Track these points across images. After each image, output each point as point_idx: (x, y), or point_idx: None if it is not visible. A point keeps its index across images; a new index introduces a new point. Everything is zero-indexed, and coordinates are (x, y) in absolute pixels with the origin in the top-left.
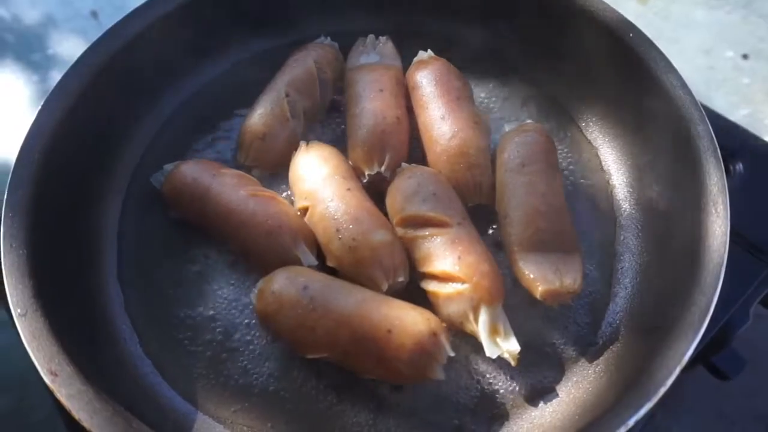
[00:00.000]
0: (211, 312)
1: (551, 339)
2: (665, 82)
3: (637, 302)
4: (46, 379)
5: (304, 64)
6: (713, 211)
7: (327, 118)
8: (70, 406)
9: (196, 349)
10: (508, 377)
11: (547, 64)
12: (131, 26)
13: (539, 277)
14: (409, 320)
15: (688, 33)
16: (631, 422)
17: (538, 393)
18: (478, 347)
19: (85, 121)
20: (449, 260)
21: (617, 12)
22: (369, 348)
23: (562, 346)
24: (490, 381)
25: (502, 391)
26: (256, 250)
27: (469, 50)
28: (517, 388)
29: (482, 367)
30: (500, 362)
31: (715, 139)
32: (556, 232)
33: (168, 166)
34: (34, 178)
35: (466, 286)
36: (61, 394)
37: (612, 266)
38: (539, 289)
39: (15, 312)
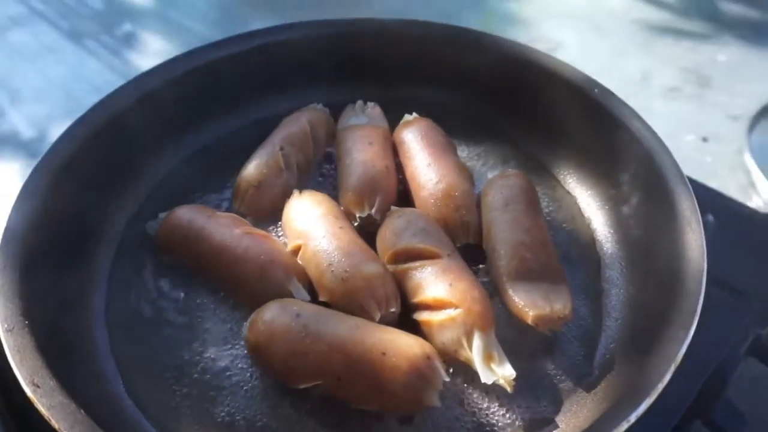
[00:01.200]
0: (200, 350)
1: (546, 371)
2: (630, 126)
3: (629, 331)
4: (28, 390)
5: (298, 122)
6: (688, 229)
7: (319, 171)
8: (51, 415)
9: (182, 389)
10: (505, 409)
11: (525, 124)
12: (145, 84)
13: (529, 303)
14: (402, 343)
15: (650, 120)
16: (632, 418)
17: (537, 424)
18: (473, 378)
19: (82, 177)
20: (441, 286)
21: (581, 72)
22: (363, 372)
23: (557, 378)
24: (487, 413)
25: (500, 423)
26: (249, 286)
27: (451, 116)
28: (516, 420)
29: (478, 399)
30: (497, 393)
31: (680, 168)
32: (543, 263)
33: (163, 214)
34: (30, 221)
35: (458, 311)
36: (42, 405)
37: (600, 301)
38: (531, 314)
39: (2, 327)
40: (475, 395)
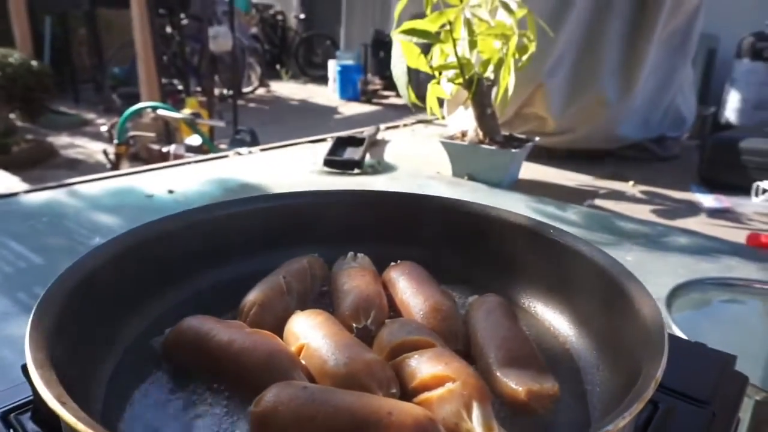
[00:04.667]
0: None
1: None
2: (582, 250)
3: (616, 404)
4: (56, 405)
5: (298, 261)
6: (638, 293)
7: (315, 302)
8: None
9: None
10: None
11: (487, 268)
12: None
13: (520, 382)
14: (408, 406)
15: None
16: (627, 415)
17: None
18: None
19: (98, 294)
20: (437, 366)
21: (531, 217)
22: (370, 430)
23: None
24: None
25: None
26: (254, 375)
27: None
28: None
29: None
30: None
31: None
32: (527, 354)
33: (169, 330)
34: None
35: (456, 383)
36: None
37: (585, 399)
38: (522, 390)
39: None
40: None
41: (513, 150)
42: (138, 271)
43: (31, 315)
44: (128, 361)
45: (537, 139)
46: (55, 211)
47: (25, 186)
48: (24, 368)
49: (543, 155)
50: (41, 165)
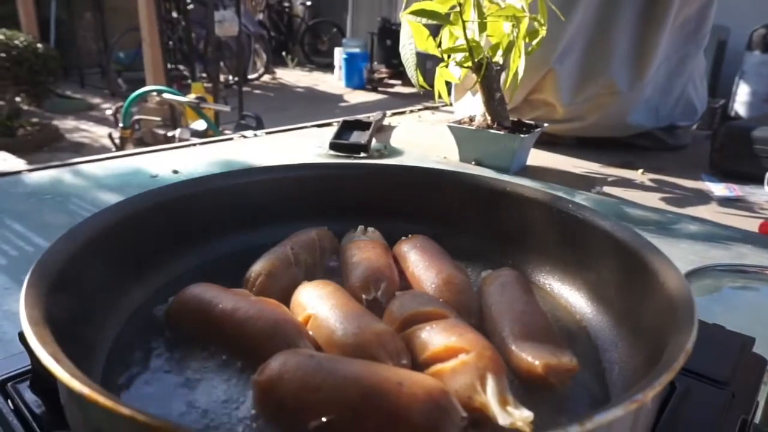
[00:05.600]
0: (203, 410)
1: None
2: (602, 225)
3: (636, 381)
4: (50, 362)
5: (306, 233)
6: (669, 277)
7: (324, 273)
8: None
9: None
10: None
11: (510, 247)
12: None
13: (537, 355)
14: (419, 377)
15: None
16: (657, 384)
17: None
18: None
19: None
20: (451, 337)
21: (548, 192)
22: (379, 402)
23: None
24: None
25: None
26: (259, 343)
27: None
28: None
29: None
30: None
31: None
32: (543, 328)
33: (172, 298)
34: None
35: (470, 355)
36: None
37: (603, 377)
38: (540, 364)
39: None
40: None
41: (521, 135)
42: (141, 239)
43: (29, 272)
44: (130, 328)
45: (545, 125)
46: (58, 190)
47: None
48: (21, 335)
49: (551, 142)
50: (46, 148)
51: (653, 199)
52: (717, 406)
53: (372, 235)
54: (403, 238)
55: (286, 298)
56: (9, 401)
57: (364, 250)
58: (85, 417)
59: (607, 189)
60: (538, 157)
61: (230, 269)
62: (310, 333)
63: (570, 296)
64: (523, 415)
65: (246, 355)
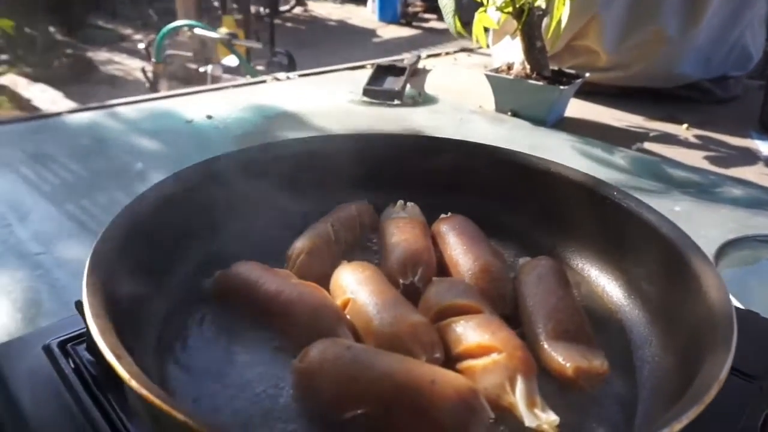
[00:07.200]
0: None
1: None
2: (647, 218)
3: (665, 384)
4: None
5: (347, 209)
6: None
7: (363, 251)
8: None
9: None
10: None
11: (552, 229)
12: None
13: (569, 357)
14: (451, 375)
15: None
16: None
17: None
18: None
19: (151, 236)
20: (484, 335)
21: (593, 176)
22: (412, 399)
23: None
24: None
25: None
26: (300, 327)
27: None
28: None
29: None
30: None
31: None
32: (577, 326)
33: (219, 272)
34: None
35: (502, 355)
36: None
37: (634, 375)
38: (571, 367)
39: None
40: None
41: (561, 87)
42: (186, 213)
43: (88, 258)
44: (179, 302)
45: (587, 75)
46: (96, 134)
47: (68, 102)
48: (78, 304)
49: (592, 92)
50: (81, 80)
51: (696, 158)
52: (743, 399)
53: (411, 210)
54: (443, 216)
55: (326, 275)
56: (70, 360)
57: (403, 230)
58: (144, 409)
59: (648, 145)
60: (577, 108)
61: (272, 241)
62: (349, 317)
63: (607, 285)
64: (549, 419)
65: (288, 337)
